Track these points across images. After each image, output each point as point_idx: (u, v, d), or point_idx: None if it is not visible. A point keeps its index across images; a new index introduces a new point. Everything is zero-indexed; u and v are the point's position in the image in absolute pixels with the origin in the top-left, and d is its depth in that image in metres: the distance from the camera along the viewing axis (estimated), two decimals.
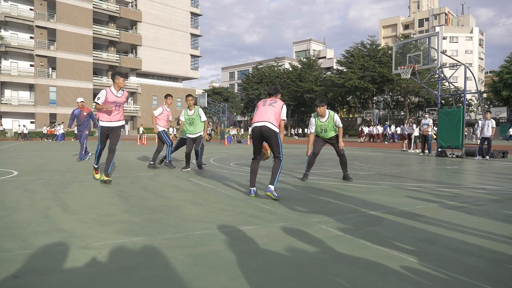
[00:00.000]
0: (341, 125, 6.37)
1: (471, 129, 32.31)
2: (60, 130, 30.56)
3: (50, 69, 43.88)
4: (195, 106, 7.80)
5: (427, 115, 15.96)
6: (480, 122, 12.24)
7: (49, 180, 6.08)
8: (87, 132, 9.96)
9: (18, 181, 5.99)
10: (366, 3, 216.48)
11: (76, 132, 9.78)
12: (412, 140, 16.52)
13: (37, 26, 41.93)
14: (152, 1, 52.28)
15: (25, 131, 32.82)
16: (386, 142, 30.20)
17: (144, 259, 2.38)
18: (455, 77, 43.41)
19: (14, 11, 41.55)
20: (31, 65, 43.06)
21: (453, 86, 14.79)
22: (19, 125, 37.08)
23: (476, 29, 72.19)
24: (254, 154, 4.84)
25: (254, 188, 4.77)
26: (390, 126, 34.19)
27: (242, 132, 45.32)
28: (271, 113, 4.66)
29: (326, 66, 66.62)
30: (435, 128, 14.40)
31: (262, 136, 4.66)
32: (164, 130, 8.21)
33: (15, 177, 6.43)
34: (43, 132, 33.10)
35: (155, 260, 2.37)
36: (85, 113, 9.91)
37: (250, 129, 5.14)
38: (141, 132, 36.67)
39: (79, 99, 10.20)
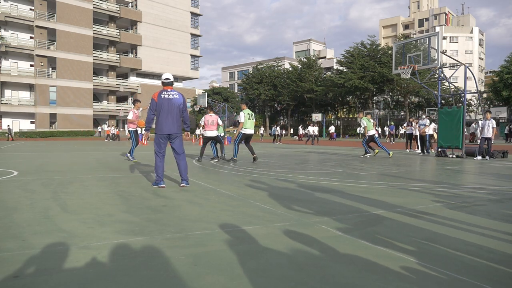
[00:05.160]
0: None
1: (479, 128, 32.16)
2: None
3: (50, 69, 43.85)
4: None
5: (424, 115, 15.99)
6: (480, 122, 12.25)
7: (49, 180, 6.08)
8: None
9: (18, 181, 6.00)
10: (367, 3, 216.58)
11: None
12: (416, 141, 16.51)
13: (37, 26, 41.91)
14: (152, 1, 52.27)
15: (113, 131, 33.54)
16: (392, 142, 29.99)
17: (144, 259, 2.39)
18: (455, 77, 43.40)
19: (14, 11, 41.53)
20: (31, 65, 43.03)
21: (453, 86, 14.78)
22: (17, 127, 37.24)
23: (476, 29, 72.15)
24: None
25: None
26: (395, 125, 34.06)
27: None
28: None
29: (326, 66, 66.56)
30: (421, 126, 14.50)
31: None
32: (135, 130, 10.55)
33: (15, 177, 6.44)
34: (113, 133, 33.50)
35: (155, 260, 2.37)
36: None
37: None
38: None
39: None
